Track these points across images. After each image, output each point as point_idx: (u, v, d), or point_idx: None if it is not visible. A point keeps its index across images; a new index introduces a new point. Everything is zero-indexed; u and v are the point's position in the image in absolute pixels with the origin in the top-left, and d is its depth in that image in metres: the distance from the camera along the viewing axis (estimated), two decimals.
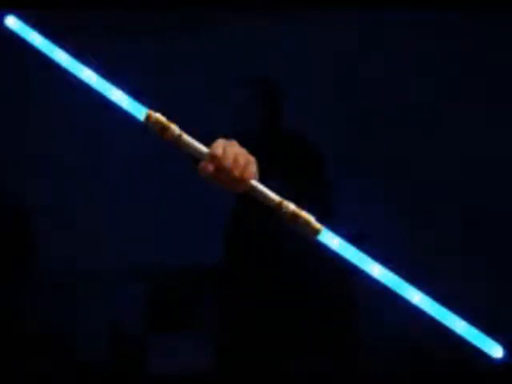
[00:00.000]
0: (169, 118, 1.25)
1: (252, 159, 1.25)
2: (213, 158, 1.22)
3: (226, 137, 1.27)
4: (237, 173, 1.22)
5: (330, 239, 1.25)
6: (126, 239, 3.58)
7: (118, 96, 1.31)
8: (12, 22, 1.38)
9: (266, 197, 1.24)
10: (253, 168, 1.24)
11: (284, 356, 2.80)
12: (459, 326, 1.23)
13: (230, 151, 1.23)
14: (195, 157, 1.25)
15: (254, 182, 1.25)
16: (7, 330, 3.24)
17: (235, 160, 1.22)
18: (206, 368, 3.14)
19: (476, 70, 3.44)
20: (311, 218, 1.24)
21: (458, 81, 3.44)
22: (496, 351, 1.22)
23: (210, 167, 1.22)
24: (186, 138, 1.24)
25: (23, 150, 3.62)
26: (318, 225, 1.24)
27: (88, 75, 1.33)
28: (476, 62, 3.44)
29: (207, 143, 1.25)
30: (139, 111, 1.28)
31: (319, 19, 3.49)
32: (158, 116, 1.25)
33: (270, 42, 3.57)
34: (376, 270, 1.25)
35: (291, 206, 1.24)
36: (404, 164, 3.49)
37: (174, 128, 1.24)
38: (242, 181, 1.24)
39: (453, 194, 3.43)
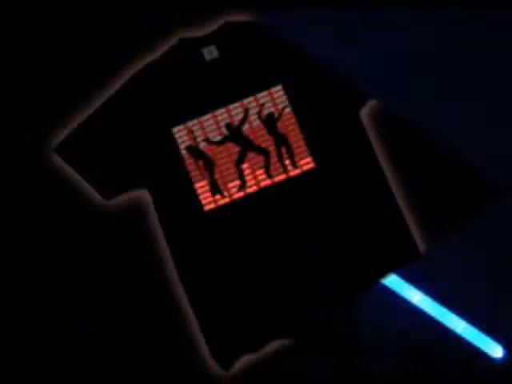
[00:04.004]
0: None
1: None
2: None
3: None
4: None
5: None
6: None
7: None
8: None
9: None
10: None
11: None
12: (459, 325, 1.23)
13: None
14: None
15: None
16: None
17: None
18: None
19: (476, 70, 3.44)
20: None
21: (457, 81, 3.44)
22: (496, 351, 1.22)
23: None
24: None
25: None
26: None
27: None
28: (476, 62, 3.44)
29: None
30: None
31: (319, 19, 3.49)
32: None
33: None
34: None
35: None
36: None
37: None
38: None
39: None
